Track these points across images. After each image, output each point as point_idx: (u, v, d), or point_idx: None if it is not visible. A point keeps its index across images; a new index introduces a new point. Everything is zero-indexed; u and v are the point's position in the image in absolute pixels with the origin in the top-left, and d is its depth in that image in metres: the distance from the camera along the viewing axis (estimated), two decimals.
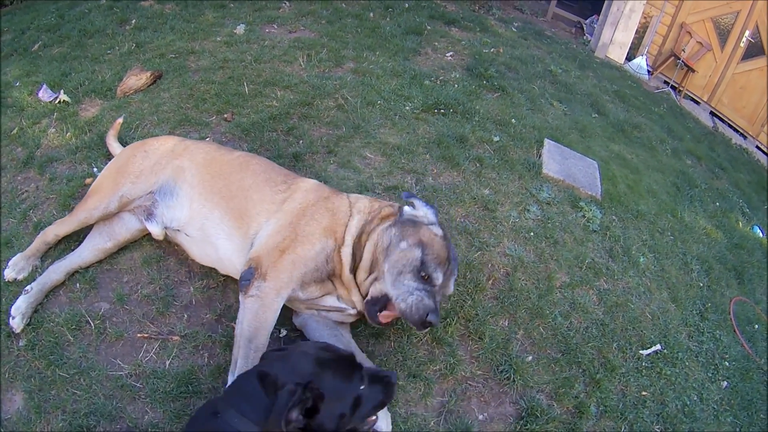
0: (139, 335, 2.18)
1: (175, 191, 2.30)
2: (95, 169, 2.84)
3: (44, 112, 3.34)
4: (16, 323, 2.14)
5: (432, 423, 2.08)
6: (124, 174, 2.36)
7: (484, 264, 2.67)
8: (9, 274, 2.30)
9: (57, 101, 3.42)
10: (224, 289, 2.35)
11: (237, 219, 2.15)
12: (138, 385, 2.04)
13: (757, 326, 3.52)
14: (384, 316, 1.99)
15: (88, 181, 2.77)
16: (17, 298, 2.18)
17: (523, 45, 5.97)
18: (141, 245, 2.46)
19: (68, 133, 3.12)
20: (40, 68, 3.87)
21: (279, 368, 1.50)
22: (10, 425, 1.96)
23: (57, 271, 2.30)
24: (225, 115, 3.33)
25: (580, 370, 2.45)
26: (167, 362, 2.10)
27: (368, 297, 2.02)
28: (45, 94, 3.50)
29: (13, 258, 2.34)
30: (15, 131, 3.19)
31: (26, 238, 2.50)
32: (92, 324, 2.19)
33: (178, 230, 2.28)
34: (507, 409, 2.24)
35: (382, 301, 1.98)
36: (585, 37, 8.11)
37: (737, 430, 2.74)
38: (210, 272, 2.37)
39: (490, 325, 2.42)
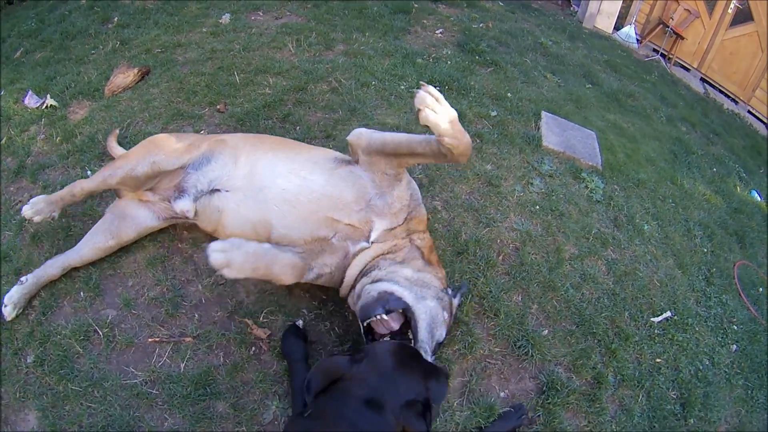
0: (150, 340, 2.14)
1: (213, 158, 2.20)
2: (89, 172, 2.78)
3: (32, 118, 3.25)
4: (8, 311, 2.16)
5: (455, 404, 2.09)
6: (158, 146, 2.26)
7: (492, 240, 2.65)
8: (27, 211, 2.25)
9: (44, 106, 3.34)
10: (233, 285, 2.31)
11: (296, 151, 2.15)
12: (154, 391, 2.01)
13: (761, 289, 3.54)
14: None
15: None
16: (12, 287, 2.18)
17: (511, 18, 5.91)
18: (143, 246, 2.40)
19: (58, 138, 3.05)
20: (24, 75, 3.79)
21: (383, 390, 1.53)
22: None
23: (54, 266, 2.27)
24: (218, 106, 3.27)
25: (596, 341, 2.46)
26: (182, 365, 2.07)
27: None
28: (31, 101, 3.41)
29: (36, 198, 2.29)
30: (4, 141, 3.11)
31: (24, 251, 2.46)
32: (101, 333, 2.15)
33: (218, 190, 2.13)
34: (527, 385, 2.25)
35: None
36: (572, 8, 8.05)
37: (749, 392, 2.78)
38: None
39: (504, 301, 2.42)
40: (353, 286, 1.99)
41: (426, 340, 1.83)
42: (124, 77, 3.47)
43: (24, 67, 3.91)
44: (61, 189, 2.69)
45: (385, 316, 1.77)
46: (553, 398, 2.17)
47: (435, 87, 3.64)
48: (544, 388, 2.22)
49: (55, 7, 4.87)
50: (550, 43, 5.51)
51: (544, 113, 3.85)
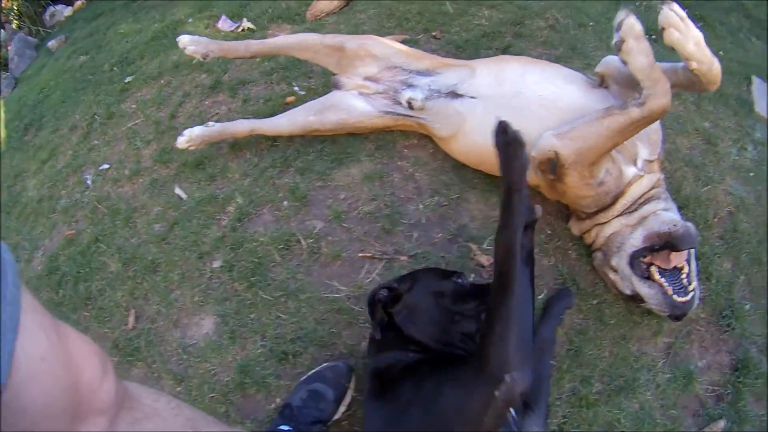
0: (360, 254, 2.10)
1: (441, 71, 2.26)
2: (296, 87, 2.84)
3: (226, 40, 3.50)
4: (181, 140, 2.38)
5: (660, 364, 2.15)
6: (370, 36, 2.44)
7: (710, 200, 2.66)
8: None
9: (240, 29, 3.56)
10: (457, 208, 2.27)
11: (541, 64, 2.19)
12: (357, 308, 1.98)
13: None
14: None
15: (289, 99, 2.76)
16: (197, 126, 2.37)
17: None
18: (359, 161, 2.39)
19: (258, 58, 3.17)
20: (212, 4, 4.03)
21: None
22: (195, 351, 1.99)
23: (243, 123, 2.43)
24: (433, 33, 3.33)
25: None
26: None
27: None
28: (225, 24, 3.66)
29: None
30: (195, 60, 3.30)
31: (221, 159, 2.62)
32: (304, 243, 2.13)
33: (460, 95, 2.16)
34: (723, 359, 2.26)
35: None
36: None
37: None
38: (441, 189, 2.31)
39: (716, 265, 2.44)
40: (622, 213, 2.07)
41: None
42: (328, 3, 3.55)
43: None
44: (263, 103, 2.83)
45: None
46: (744, 378, 2.17)
47: (650, 35, 3.62)
48: (738, 365, 2.22)
49: None
50: (752, 4, 5.18)
51: (755, 78, 3.69)
